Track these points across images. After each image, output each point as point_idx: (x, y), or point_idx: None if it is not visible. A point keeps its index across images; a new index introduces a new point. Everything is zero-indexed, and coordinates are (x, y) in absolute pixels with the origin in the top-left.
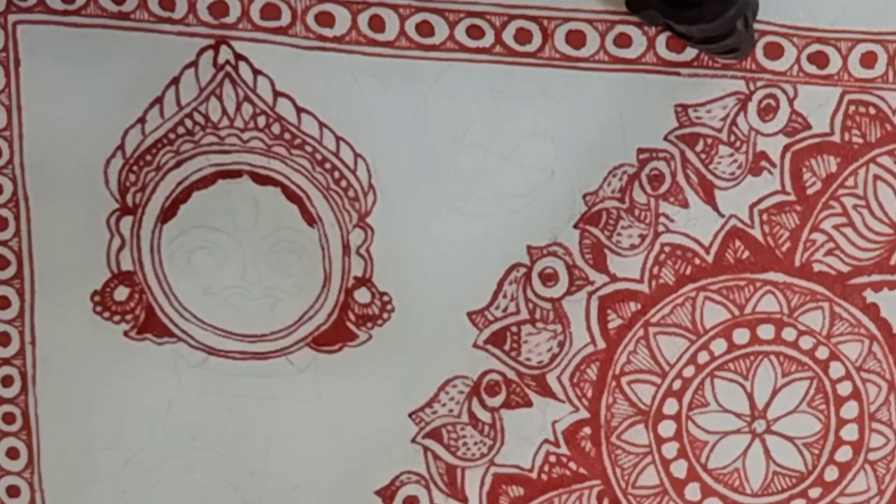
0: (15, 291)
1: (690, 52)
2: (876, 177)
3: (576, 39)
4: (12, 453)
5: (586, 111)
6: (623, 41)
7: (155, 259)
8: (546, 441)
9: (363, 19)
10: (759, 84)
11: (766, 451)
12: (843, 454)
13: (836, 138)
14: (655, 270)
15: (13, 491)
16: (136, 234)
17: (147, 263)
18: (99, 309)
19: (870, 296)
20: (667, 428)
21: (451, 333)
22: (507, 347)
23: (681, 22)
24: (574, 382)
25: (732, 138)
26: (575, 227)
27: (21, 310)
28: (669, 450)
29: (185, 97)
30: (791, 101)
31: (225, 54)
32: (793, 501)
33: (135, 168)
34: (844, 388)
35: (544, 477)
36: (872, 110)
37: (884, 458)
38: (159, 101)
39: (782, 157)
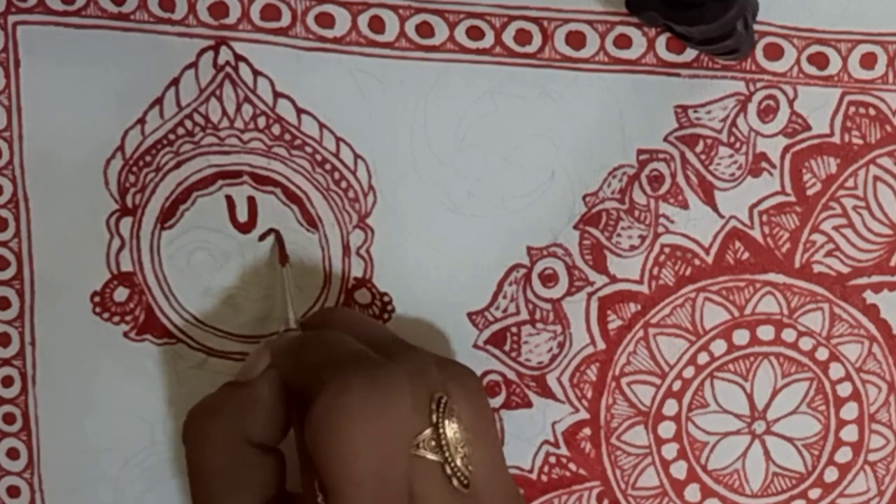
0: (15, 292)
1: (690, 54)
2: (876, 178)
3: (576, 40)
4: (12, 453)
5: (586, 112)
6: (623, 42)
7: (155, 260)
8: (546, 442)
9: (363, 20)
10: (758, 85)
11: (766, 452)
12: (843, 455)
13: (835, 139)
14: (655, 271)
15: (13, 491)
16: (135, 235)
17: (147, 264)
18: (99, 310)
19: (870, 297)
20: (666, 429)
21: (451, 334)
22: (507, 348)
23: (680, 23)
24: (574, 383)
25: (732, 139)
26: (575, 227)
27: (21, 311)
28: (669, 451)
29: (184, 98)
30: (791, 102)
31: (225, 55)
32: (793, 502)
33: (134, 169)
34: (844, 389)
35: (544, 478)
36: (872, 111)
37: (883, 459)
38: (159, 101)
39: (782, 158)
